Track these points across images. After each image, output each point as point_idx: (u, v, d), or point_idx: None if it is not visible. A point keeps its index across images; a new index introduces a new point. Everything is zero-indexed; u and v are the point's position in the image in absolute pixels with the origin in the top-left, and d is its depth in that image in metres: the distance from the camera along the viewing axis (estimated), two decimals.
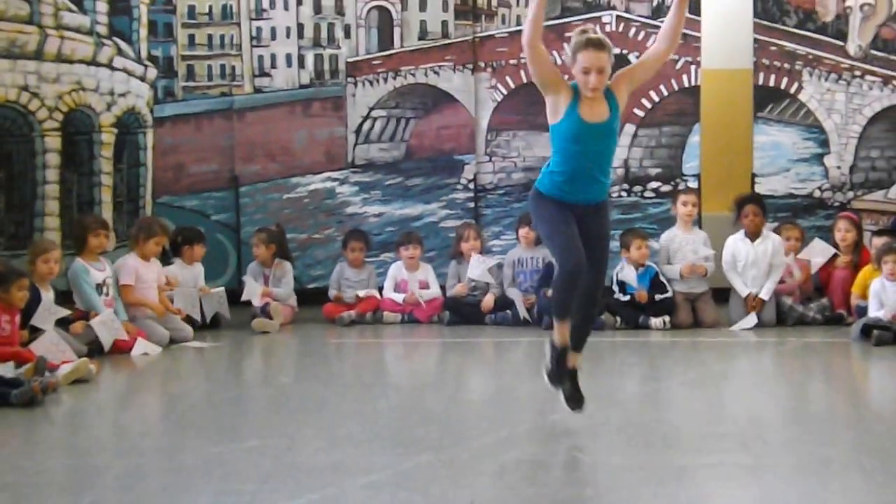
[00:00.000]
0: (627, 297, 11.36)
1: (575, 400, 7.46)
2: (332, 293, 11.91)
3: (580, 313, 7.31)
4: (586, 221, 7.28)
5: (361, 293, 11.78)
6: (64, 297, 10.36)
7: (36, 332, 9.69)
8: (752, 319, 11.20)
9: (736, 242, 11.48)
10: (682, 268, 11.45)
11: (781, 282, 11.43)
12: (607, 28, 12.18)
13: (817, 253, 11.60)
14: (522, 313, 11.39)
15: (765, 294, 11.30)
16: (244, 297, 11.67)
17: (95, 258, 10.55)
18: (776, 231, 11.64)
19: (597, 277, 7.40)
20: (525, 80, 12.23)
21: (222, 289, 11.62)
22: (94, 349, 9.93)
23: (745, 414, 8.22)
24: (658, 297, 11.34)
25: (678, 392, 9.08)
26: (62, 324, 9.94)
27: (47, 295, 10.03)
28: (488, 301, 11.51)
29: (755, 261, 11.37)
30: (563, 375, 7.46)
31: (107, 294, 10.51)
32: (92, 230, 10.50)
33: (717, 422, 7.93)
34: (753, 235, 11.43)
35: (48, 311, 9.77)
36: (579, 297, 7.22)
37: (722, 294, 11.59)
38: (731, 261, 11.45)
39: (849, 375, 9.80)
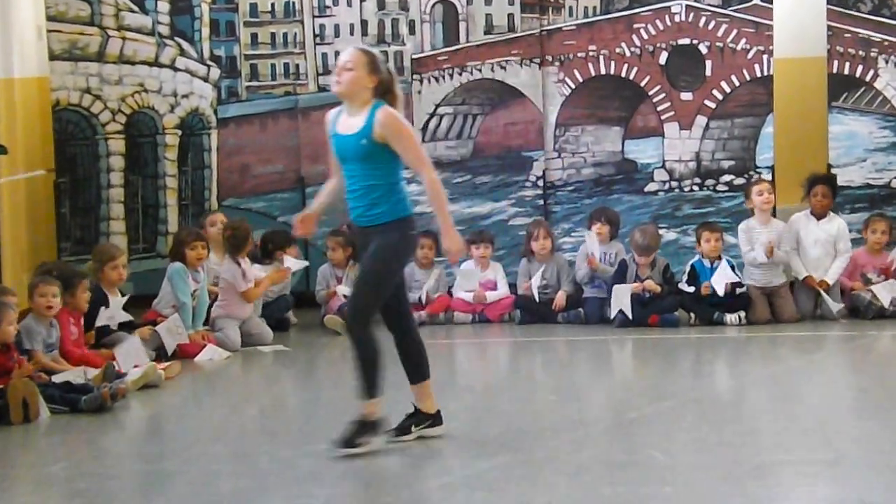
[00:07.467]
0: (692, 289, 11.10)
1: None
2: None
3: None
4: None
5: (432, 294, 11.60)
6: (131, 301, 10.33)
7: (102, 335, 9.80)
8: (837, 304, 11.04)
9: (801, 219, 11.30)
10: (766, 247, 11.02)
11: (868, 281, 11.18)
12: (677, 18, 11.97)
13: None
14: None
15: (830, 278, 11.12)
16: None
17: (193, 269, 10.49)
18: (865, 224, 11.42)
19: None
20: (593, 74, 12.08)
21: (306, 262, 11.44)
22: (161, 354, 9.93)
23: (825, 410, 8.18)
24: (737, 291, 11.07)
25: (755, 389, 9.04)
26: (128, 329, 9.97)
27: (115, 299, 10.06)
28: (560, 299, 11.29)
29: (818, 240, 11.18)
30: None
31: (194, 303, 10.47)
32: (188, 244, 10.47)
33: (795, 418, 7.89)
34: (820, 216, 11.27)
35: (110, 318, 9.85)
36: None
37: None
38: (793, 240, 11.23)
39: None
